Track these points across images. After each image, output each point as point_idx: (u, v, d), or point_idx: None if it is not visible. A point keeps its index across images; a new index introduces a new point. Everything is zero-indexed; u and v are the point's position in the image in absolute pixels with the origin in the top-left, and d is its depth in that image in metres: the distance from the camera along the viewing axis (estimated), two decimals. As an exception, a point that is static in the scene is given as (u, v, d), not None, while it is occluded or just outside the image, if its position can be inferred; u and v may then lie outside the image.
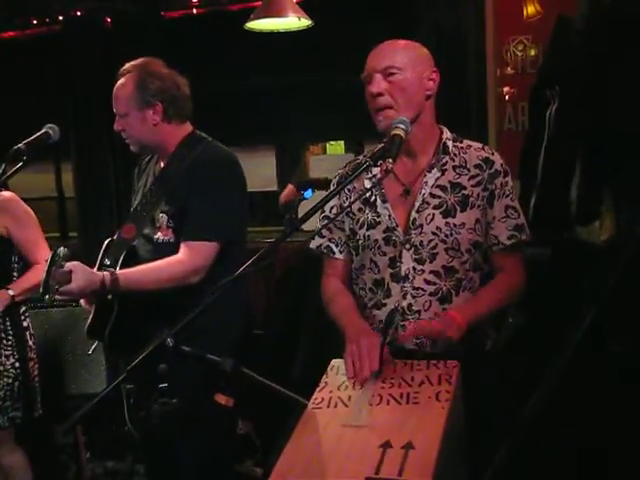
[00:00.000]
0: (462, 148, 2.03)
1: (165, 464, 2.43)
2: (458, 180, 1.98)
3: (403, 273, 1.95)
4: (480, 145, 2.05)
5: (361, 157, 2.14)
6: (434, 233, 1.94)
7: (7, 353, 2.72)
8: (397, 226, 1.97)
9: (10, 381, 2.70)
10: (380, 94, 1.93)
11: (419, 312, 1.94)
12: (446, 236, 1.94)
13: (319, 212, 2.06)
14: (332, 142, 5.46)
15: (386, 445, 1.49)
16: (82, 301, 2.35)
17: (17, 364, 2.72)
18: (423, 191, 1.97)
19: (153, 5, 4.85)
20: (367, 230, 2.01)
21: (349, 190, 2.08)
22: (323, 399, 1.69)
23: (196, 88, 2.45)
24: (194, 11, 4.87)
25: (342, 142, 5.42)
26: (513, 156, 2.93)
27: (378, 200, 2.01)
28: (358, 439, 1.54)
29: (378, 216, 2.00)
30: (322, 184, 3.72)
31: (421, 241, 1.95)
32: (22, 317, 2.79)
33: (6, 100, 5.13)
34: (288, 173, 5.10)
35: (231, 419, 2.52)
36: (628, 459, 2.23)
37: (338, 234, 2.10)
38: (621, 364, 2.36)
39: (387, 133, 1.88)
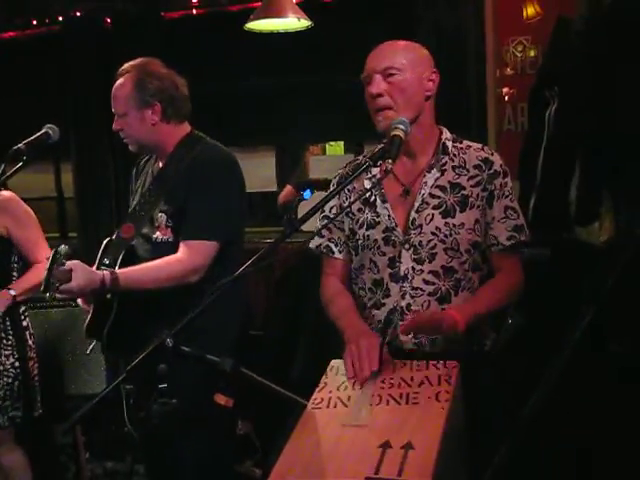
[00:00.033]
0: (462, 148, 2.03)
1: (165, 464, 2.43)
2: (457, 180, 1.98)
3: (402, 273, 1.95)
4: (480, 145, 2.05)
5: (361, 157, 2.14)
6: (433, 233, 1.94)
7: (7, 353, 2.72)
8: (396, 226, 1.98)
9: (10, 381, 2.70)
10: (380, 95, 1.93)
11: (418, 312, 1.94)
12: (445, 236, 1.94)
13: (319, 212, 2.06)
14: (332, 143, 5.46)
15: (386, 445, 1.49)
16: (79, 300, 2.36)
17: (17, 364, 2.72)
18: (422, 191, 1.97)
19: (153, 5, 4.85)
20: (366, 230, 2.02)
21: (349, 190, 2.08)
22: (322, 399, 1.69)
23: (196, 88, 2.45)
24: (194, 12, 4.87)
25: (342, 143, 5.42)
26: (512, 157, 2.93)
27: (378, 200, 2.01)
28: (358, 439, 1.54)
29: (377, 216, 2.00)
30: (321, 185, 3.71)
31: (420, 241, 1.95)
32: (22, 317, 2.79)
33: (6, 100, 5.13)
34: (288, 174, 5.10)
35: (231, 419, 2.52)
36: (628, 459, 2.24)
37: (338, 234, 2.10)
38: (620, 364, 2.37)
39: (387, 134, 1.88)
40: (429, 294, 1.94)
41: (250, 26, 3.48)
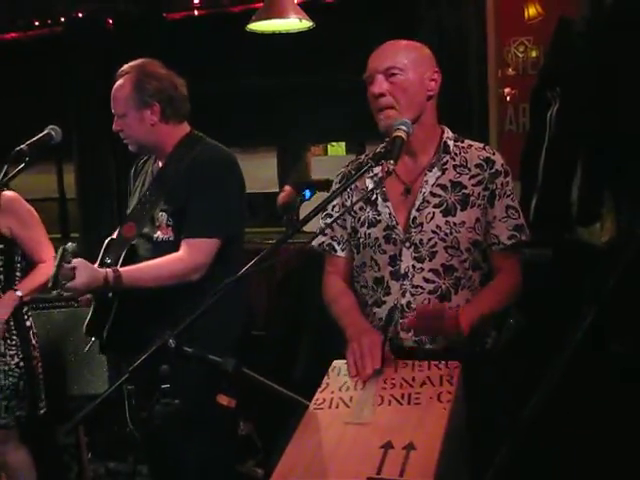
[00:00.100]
0: (463, 148, 2.03)
1: (167, 465, 2.44)
2: (459, 179, 1.98)
3: (403, 271, 1.96)
4: (481, 145, 2.06)
5: (363, 156, 2.14)
6: (434, 231, 1.95)
7: (12, 353, 2.73)
8: (397, 224, 1.98)
9: (15, 381, 2.71)
10: (382, 94, 1.94)
11: (419, 305, 1.94)
12: (446, 235, 1.94)
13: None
14: (333, 143, 5.46)
15: (387, 446, 1.49)
16: (81, 299, 2.37)
17: (22, 363, 2.74)
18: (424, 190, 1.97)
19: (155, 6, 4.85)
20: (368, 228, 2.02)
21: (351, 189, 2.09)
22: (325, 400, 1.69)
23: (197, 89, 2.46)
24: (196, 12, 4.87)
25: (343, 143, 5.42)
26: (514, 157, 2.93)
27: (379, 199, 2.01)
28: (359, 440, 1.54)
29: (379, 214, 2.01)
30: (322, 185, 3.70)
31: (421, 239, 1.95)
32: (25, 317, 2.80)
33: (8, 101, 5.14)
34: (289, 174, 5.10)
35: (233, 420, 2.52)
36: (628, 459, 2.24)
37: (340, 232, 2.11)
38: (622, 364, 2.37)
39: (389, 134, 1.88)
40: (429, 292, 1.95)
41: (252, 27, 3.48)
